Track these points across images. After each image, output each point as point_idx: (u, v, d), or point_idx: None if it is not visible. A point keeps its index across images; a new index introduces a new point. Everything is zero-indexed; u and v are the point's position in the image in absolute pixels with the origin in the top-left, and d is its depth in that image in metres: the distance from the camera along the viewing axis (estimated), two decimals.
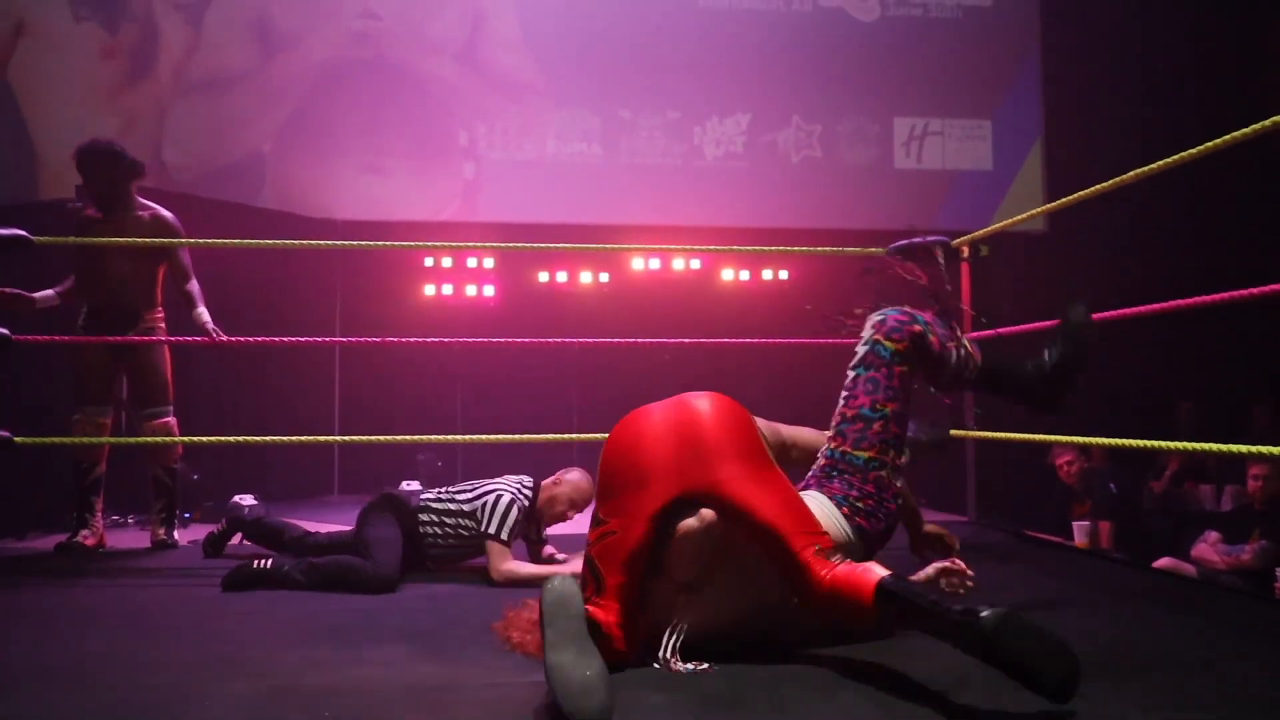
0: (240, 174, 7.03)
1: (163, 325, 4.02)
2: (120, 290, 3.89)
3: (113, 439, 4.03)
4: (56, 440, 3.82)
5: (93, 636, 2.45)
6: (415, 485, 6.82)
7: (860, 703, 1.81)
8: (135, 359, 3.93)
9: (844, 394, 2.28)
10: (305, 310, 6.77)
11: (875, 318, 2.28)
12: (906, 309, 2.28)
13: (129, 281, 3.90)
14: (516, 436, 3.70)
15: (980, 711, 1.76)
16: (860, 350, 2.27)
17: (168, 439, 3.94)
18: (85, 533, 3.86)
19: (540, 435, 4.00)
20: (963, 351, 2.30)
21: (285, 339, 4.42)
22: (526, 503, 3.24)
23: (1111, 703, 1.79)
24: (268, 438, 4.30)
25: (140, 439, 3.97)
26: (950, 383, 2.33)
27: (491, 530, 3.13)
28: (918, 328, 2.24)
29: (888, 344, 2.23)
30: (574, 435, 4.49)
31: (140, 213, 3.94)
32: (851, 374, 2.27)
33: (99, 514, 3.94)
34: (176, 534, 4.08)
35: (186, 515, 5.57)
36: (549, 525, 3.41)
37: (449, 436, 4.88)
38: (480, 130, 7.34)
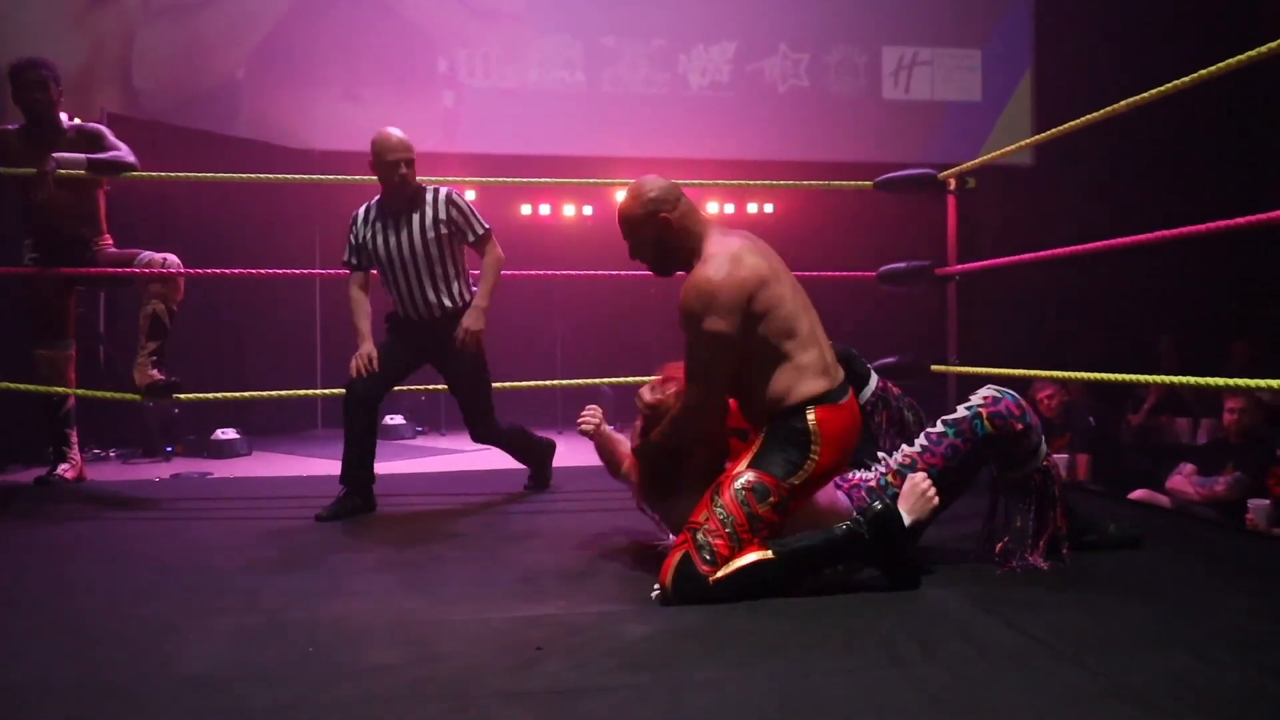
0: (213, 101, 6.84)
1: (112, 252, 3.82)
2: (65, 220, 3.69)
3: (82, 391, 3.89)
4: (32, 389, 3.72)
5: (74, 569, 2.45)
6: (399, 419, 6.86)
7: (837, 634, 1.84)
8: (98, 287, 3.77)
9: (924, 441, 2.29)
10: (285, 243, 6.68)
11: (992, 392, 2.28)
12: (1024, 403, 2.28)
13: (73, 210, 3.69)
14: (501, 385, 3.61)
15: (945, 637, 1.78)
16: (961, 411, 2.27)
17: (169, 272, 3.56)
18: (64, 466, 3.83)
19: (525, 382, 4.00)
20: (1044, 469, 2.31)
21: (264, 271, 4.33)
22: (364, 208, 3.25)
23: (1084, 632, 1.83)
24: (250, 393, 4.19)
25: (107, 395, 3.84)
26: (1017, 482, 2.33)
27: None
28: (1019, 426, 2.24)
29: (987, 425, 2.23)
30: (557, 381, 4.47)
31: (68, 134, 3.69)
32: (941, 428, 2.28)
33: (75, 446, 3.90)
34: (167, 465, 3.99)
35: (169, 449, 5.58)
36: (407, 200, 3.16)
37: (427, 386, 4.01)
38: (460, 58, 7.17)
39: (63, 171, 3.53)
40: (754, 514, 2.07)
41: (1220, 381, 2.57)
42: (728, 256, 2.14)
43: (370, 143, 3.14)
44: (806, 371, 2.14)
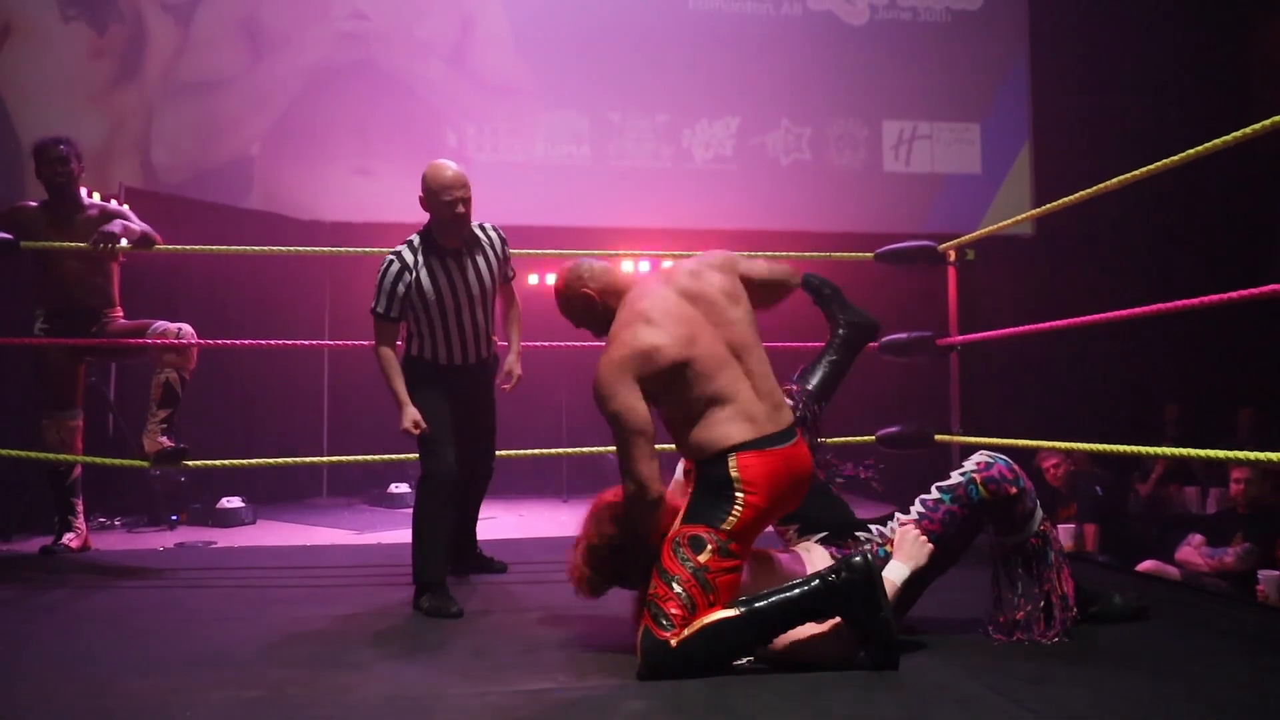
0: (228, 176, 6.99)
1: (123, 323, 3.89)
2: (78, 292, 3.79)
3: (88, 459, 3.92)
4: (38, 455, 3.74)
5: (76, 639, 2.44)
6: (404, 488, 6.85)
7: (838, 710, 1.82)
8: (110, 357, 3.83)
9: (920, 508, 2.31)
10: (294, 312, 6.75)
11: (984, 458, 2.31)
12: (1016, 468, 2.31)
13: (86, 283, 3.80)
14: (508, 452, 3.62)
15: (948, 715, 1.77)
16: (955, 478, 2.30)
17: (183, 342, 3.63)
18: (70, 535, 3.84)
19: (530, 450, 4.00)
20: (1041, 533, 2.32)
21: (274, 342, 4.39)
22: (406, 250, 2.93)
23: (1090, 709, 1.81)
24: (257, 460, 4.19)
25: (117, 467, 3.85)
26: (1015, 547, 2.33)
27: (372, 307, 2.93)
28: (1013, 490, 2.27)
29: (982, 490, 2.26)
30: (563, 450, 4.47)
31: (89, 211, 3.81)
32: (936, 494, 2.30)
33: (81, 515, 3.91)
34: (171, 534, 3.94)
35: (173, 518, 5.57)
36: (464, 239, 2.96)
37: None
38: (469, 132, 7.33)
39: (72, 245, 3.64)
40: (697, 566, 2.07)
41: (1224, 454, 2.57)
42: (617, 339, 2.21)
43: (422, 178, 2.90)
44: (726, 422, 2.16)
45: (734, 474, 2.13)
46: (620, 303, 2.31)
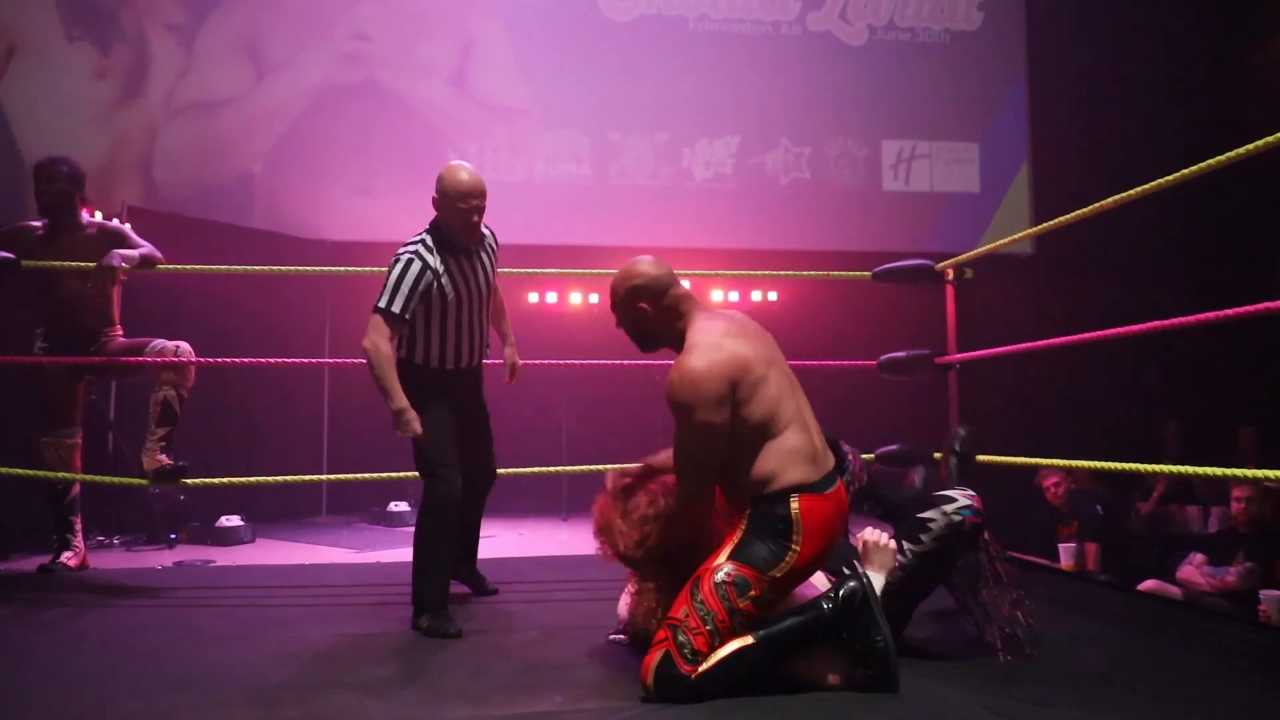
0: (230, 194, 7.02)
1: (121, 341, 3.90)
2: (77, 310, 3.79)
3: (87, 477, 3.91)
4: (36, 474, 3.74)
5: (74, 657, 2.43)
6: (404, 505, 6.84)
7: None
8: (109, 376, 3.87)
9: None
10: (295, 331, 6.76)
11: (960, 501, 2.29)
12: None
13: (85, 302, 3.79)
14: (508, 470, 3.59)
15: None
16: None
17: (181, 360, 3.63)
18: (68, 554, 3.83)
19: (531, 469, 4.00)
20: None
21: (274, 360, 4.39)
22: (423, 249, 2.85)
23: None
24: (256, 478, 4.18)
25: (116, 485, 3.81)
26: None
27: (378, 303, 2.80)
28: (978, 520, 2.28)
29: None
30: (564, 468, 4.46)
31: (87, 230, 3.83)
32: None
33: (80, 534, 3.90)
34: (170, 552, 3.96)
35: (173, 536, 5.55)
36: (471, 247, 2.95)
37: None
38: (470, 151, 7.36)
39: (71, 264, 3.65)
40: (734, 609, 2.03)
41: (1224, 472, 2.57)
42: (709, 345, 2.14)
43: (438, 179, 2.89)
44: (792, 456, 2.11)
45: (795, 516, 2.07)
46: (685, 327, 2.24)
